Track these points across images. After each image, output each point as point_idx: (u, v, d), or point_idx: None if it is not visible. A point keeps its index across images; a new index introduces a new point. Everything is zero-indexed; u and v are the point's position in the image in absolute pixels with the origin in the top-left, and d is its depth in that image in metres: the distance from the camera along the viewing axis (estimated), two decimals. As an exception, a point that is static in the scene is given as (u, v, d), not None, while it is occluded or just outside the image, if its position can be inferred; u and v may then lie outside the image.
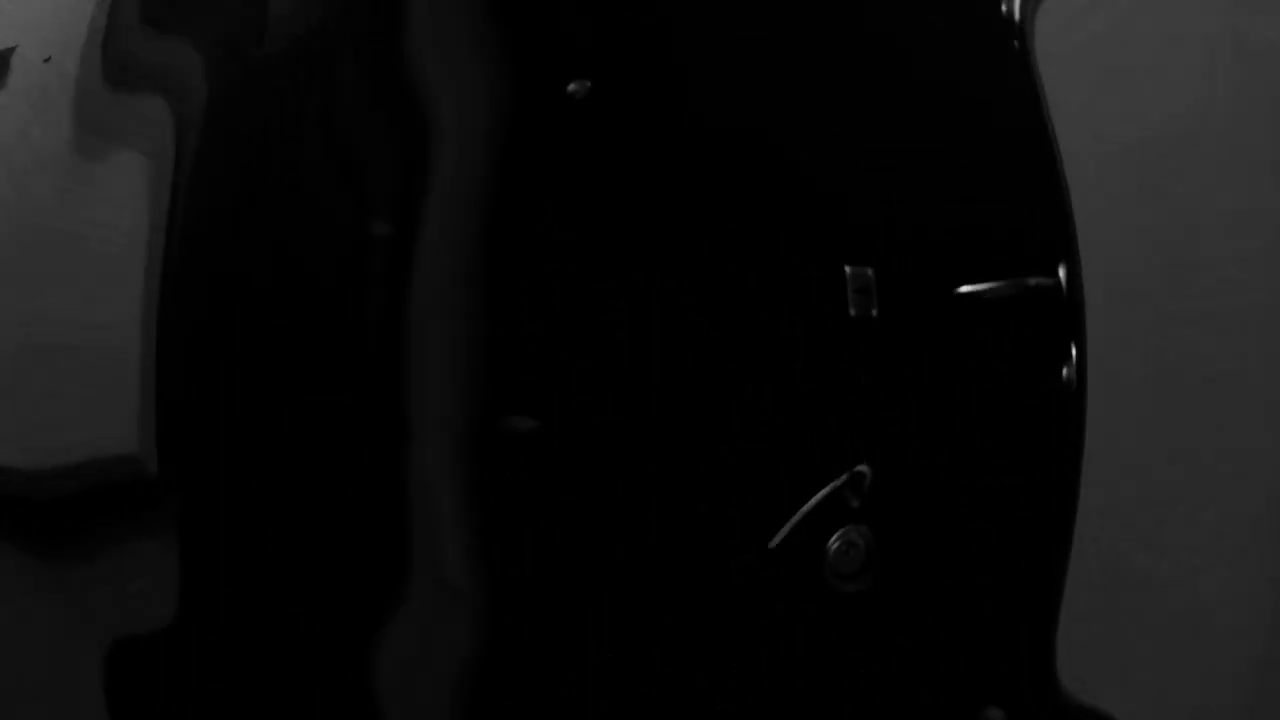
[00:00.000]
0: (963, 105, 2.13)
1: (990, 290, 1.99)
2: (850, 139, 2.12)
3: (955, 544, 2.01)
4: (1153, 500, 1.78)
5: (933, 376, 2.03)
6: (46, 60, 2.05)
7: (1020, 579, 1.93)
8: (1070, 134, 1.86)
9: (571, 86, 2.04)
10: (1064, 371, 1.91)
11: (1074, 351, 1.90)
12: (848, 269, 2.08)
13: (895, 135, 2.12)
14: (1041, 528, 1.88)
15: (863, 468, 2.01)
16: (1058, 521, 1.82)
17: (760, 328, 2.06)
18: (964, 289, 2.00)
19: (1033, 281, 1.97)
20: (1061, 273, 1.93)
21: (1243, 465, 1.75)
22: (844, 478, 2.00)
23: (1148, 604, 1.75)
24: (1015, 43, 2.01)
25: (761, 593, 2.00)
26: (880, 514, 2.02)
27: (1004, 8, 2.00)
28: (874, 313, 2.04)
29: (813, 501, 1.98)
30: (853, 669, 2.01)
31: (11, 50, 2.06)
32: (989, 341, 2.05)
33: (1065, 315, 1.92)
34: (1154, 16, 1.87)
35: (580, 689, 2.06)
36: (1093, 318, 1.82)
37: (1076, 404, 1.82)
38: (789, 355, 2.04)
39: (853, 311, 2.05)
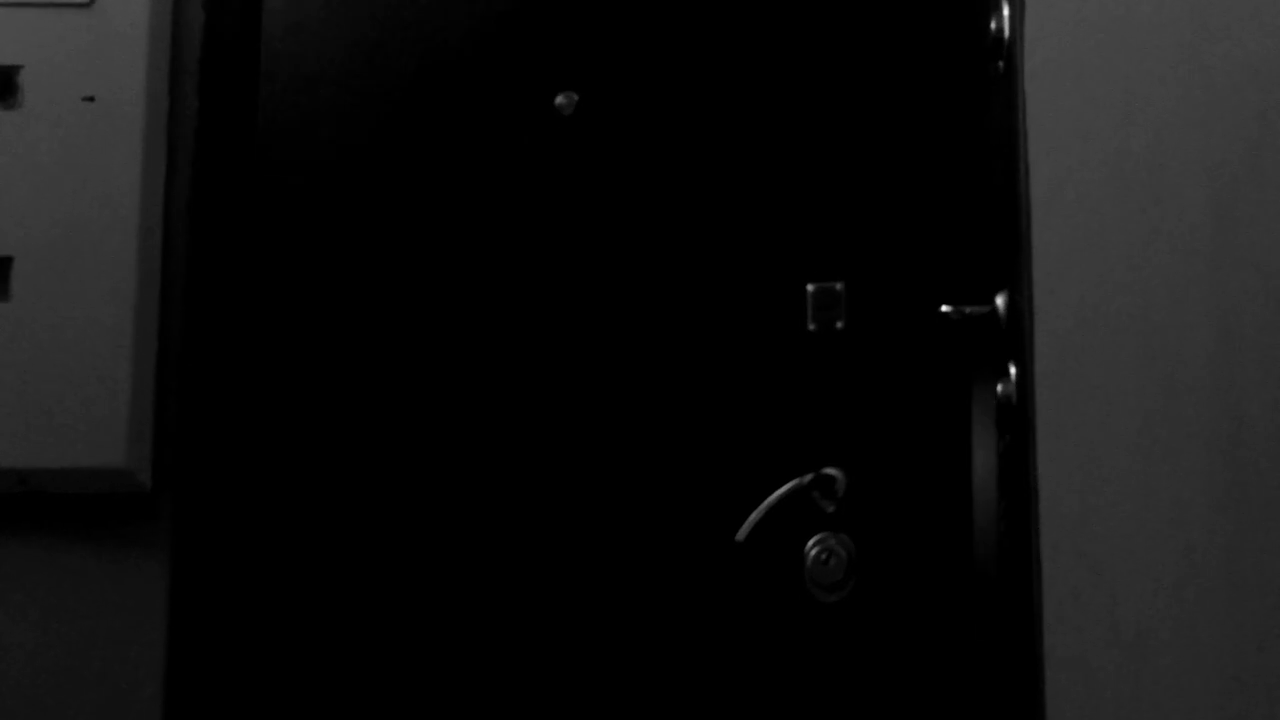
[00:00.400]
0: (933, 130, 2.15)
1: (958, 311, 2.04)
2: (821, 159, 2.17)
3: (934, 553, 2.09)
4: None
5: (901, 387, 2.10)
6: (89, 99, 2.07)
7: (996, 589, 2.00)
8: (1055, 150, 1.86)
9: (559, 100, 2.09)
10: (1004, 388, 1.95)
11: (1013, 370, 1.93)
12: (810, 286, 2.15)
13: (865, 156, 2.16)
14: (1009, 541, 1.93)
15: (831, 471, 2.10)
16: (1019, 534, 1.86)
17: (733, 337, 2.16)
18: (945, 308, 2.05)
19: (972, 308, 2.01)
20: (1001, 300, 1.97)
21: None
22: (809, 477, 2.10)
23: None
24: (1000, 64, 2.01)
25: (741, 599, 2.12)
26: (860, 522, 2.11)
27: (993, 25, 2.00)
28: (839, 325, 2.13)
29: (775, 496, 2.08)
30: (833, 678, 2.11)
31: (17, 69, 2.09)
32: (952, 357, 2.10)
33: (1006, 337, 1.96)
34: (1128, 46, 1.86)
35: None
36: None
37: (1022, 417, 1.86)
38: (758, 364, 2.14)
39: (814, 326, 2.14)
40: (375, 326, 2.23)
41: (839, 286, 2.13)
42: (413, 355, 2.22)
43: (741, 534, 2.07)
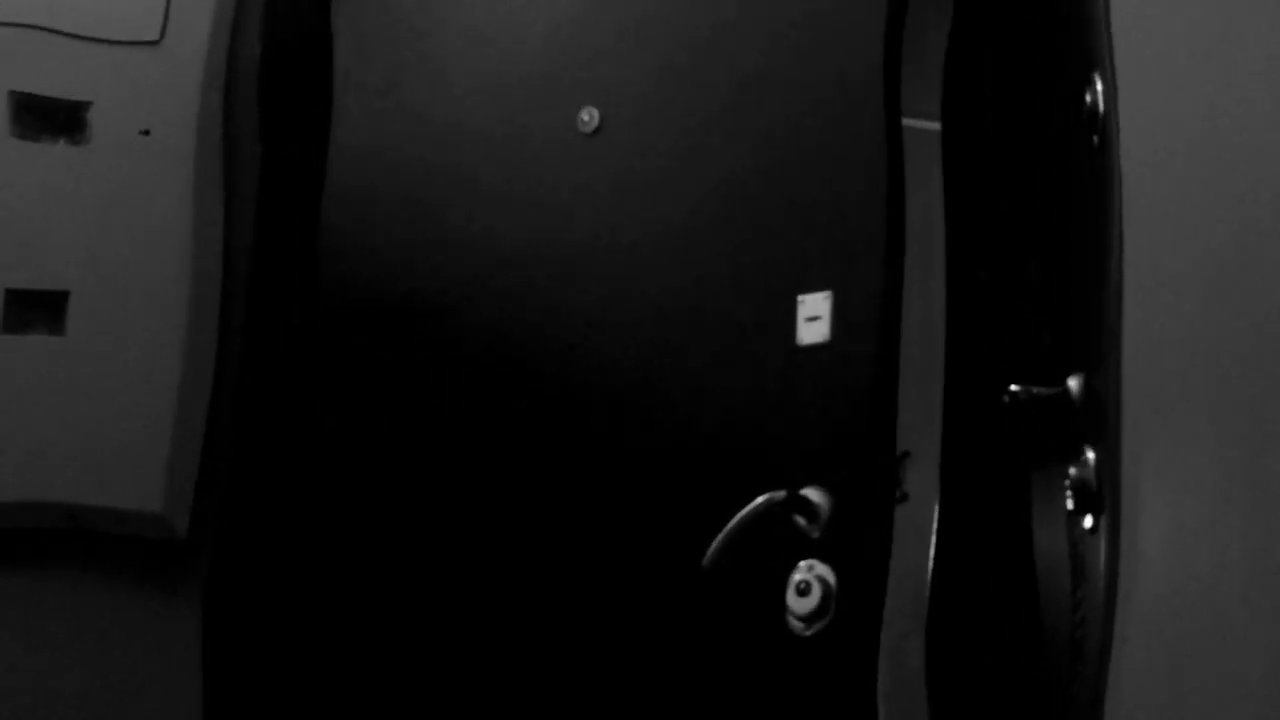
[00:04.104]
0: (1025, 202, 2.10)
1: (1026, 391, 1.97)
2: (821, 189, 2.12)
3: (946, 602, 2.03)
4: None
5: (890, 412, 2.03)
6: (145, 133, 2.02)
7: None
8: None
9: (584, 116, 2.10)
10: (1078, 471, 1.89)
11: (1090, 454, 1.88)
12: (801, 298, 2.09)
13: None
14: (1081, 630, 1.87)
15: (809, 492, 2.00)
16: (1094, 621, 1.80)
17: (720, 349, 2.09)
18: (1014, 388, 1.98)
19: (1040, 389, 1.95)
20: (1075, 382, 1.91)
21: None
22: (782, 494, 2.00)
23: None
24: (1094, 138, 1.95)
25: (716, 623, 2.05)
26: (842, 548, 2.04)
27: (1087, 98, 1.95)
28: (828, 337, 2.07)
29: (742, 515, 1.99)
30: (811, 709, 2.06)
31: (87, 105, 2.05)
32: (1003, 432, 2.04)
33: (1084, 419, 1.90)
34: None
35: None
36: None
37: (1104, 502, 1.80)
38: (745, 378, 2.07)
39: (803, 339, 2.08)
40: (424, 375, 2.23)
41: (828, 297, 2.07)
42: (443, 380, 2.23)
43: (708, 560, 1.99)
